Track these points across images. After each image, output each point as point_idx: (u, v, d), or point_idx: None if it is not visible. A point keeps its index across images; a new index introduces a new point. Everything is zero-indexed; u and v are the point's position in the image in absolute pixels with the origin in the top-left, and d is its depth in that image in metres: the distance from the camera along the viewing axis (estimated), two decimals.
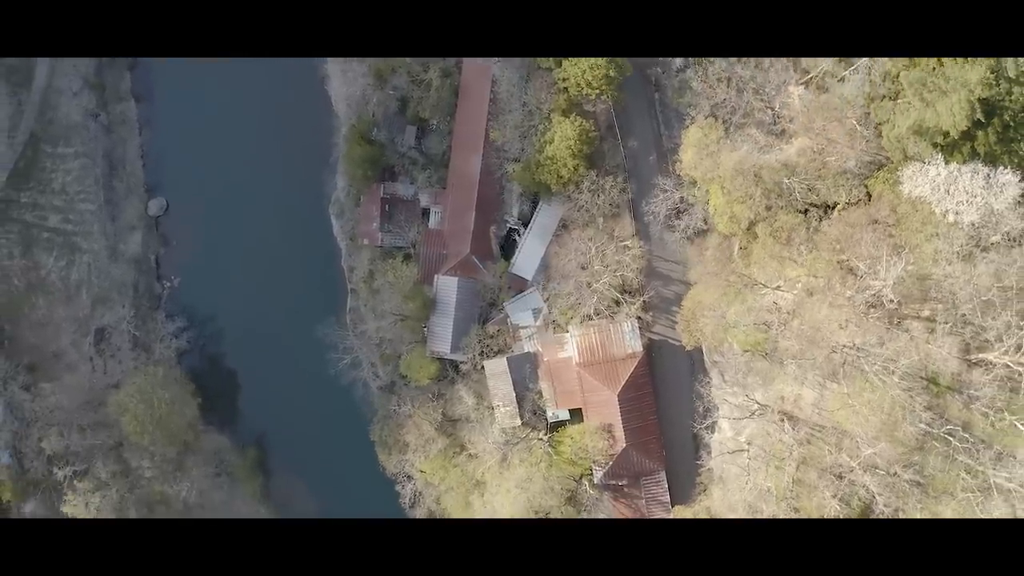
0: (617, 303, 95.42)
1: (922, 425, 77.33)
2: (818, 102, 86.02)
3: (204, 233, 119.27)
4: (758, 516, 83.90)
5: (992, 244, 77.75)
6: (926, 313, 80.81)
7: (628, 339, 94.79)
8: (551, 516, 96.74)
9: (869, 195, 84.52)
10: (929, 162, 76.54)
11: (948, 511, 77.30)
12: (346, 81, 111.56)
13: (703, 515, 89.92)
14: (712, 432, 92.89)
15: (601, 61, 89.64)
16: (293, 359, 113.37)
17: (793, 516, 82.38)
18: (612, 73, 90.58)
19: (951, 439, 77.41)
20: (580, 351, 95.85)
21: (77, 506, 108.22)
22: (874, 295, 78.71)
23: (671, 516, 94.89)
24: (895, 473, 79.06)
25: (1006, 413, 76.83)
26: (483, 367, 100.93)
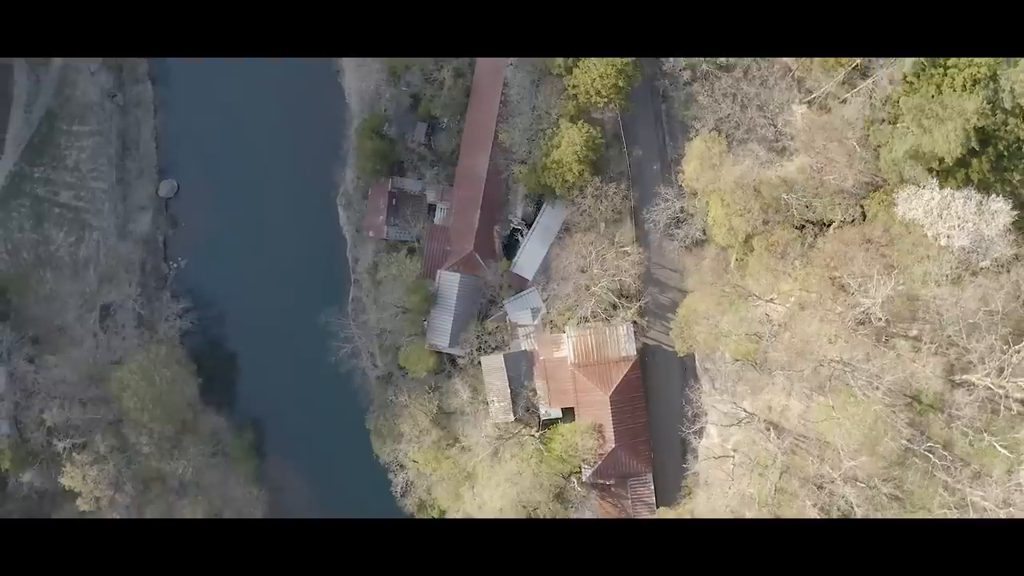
0: (614, 307, 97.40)
1: (903, 441, 79.25)
2: (820, 122, 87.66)
3: (213, 217, 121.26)
4: None
5: (981, 269, 79.33)
6: (913, 333, 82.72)
7: (623, 343, 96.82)
8: (539, 511, 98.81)
9: (864, 215, 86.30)
10: (924, 186, 78.07)
11: None
12: (360, 76, 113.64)
13: (686, 517, 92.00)
14: (700, 437, 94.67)
15: (611, 71, 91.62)
16: (294, 345, 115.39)
17: None
18: (621, 83, 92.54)
19: (931, 456, 79.21)
20: (575, 352, 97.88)
21: (75, 478, 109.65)
22: (863, 312, 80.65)
23: (655, 517, 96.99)
24: (874, 486, 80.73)
25: (985, 434, 78.59)
26: (480, 362, 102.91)
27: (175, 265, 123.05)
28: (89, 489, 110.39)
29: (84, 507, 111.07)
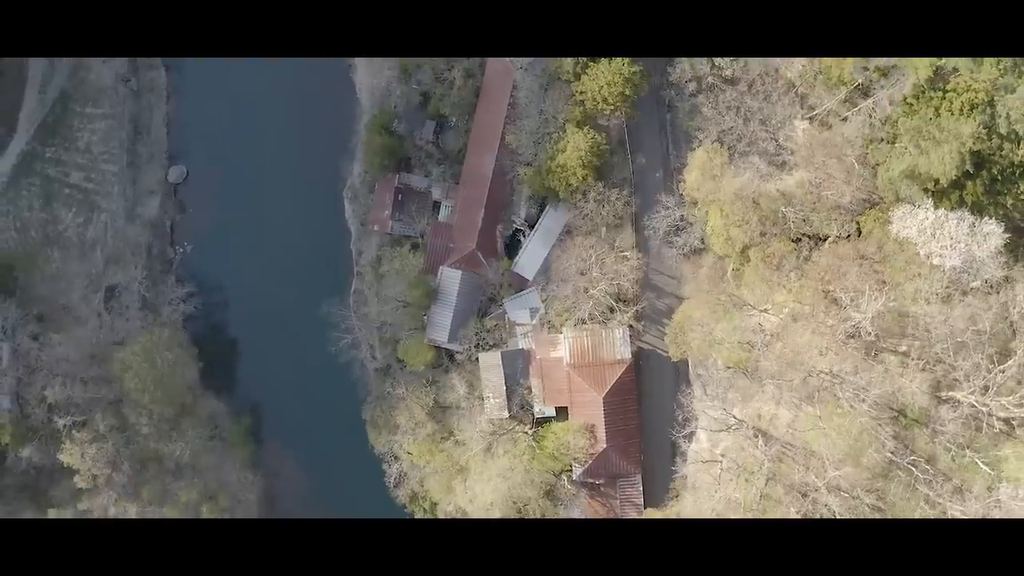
0: (611, 310, 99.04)
1: (887, 453, 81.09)
2: (820, 138, 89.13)
3: (220, 204, 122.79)
4: None
5: (971, 289, 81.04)
6: (903, 348, 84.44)
7: (618, 345, 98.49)
8: (529, 507, 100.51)
9: (859, 231, 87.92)
10: (919, 205, 79.58)
11: None
12: (371, 72, 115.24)
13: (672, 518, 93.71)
14: (689, 441, 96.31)
15: (618, 79, 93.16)
16: (295, 334, 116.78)
17: None
18: (628, 91, 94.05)
19: (914, 469, 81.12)
20: (572, 352, 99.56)
21: (73, 455, 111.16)
22: (854, 326, 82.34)
23: (642, 517, 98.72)
24: (857, 496, 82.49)
25: (968, 450, 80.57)
26: (477, 359, 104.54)
27: (181, 250, 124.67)
28: (87, 467, 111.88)
29: (81, 484, 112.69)
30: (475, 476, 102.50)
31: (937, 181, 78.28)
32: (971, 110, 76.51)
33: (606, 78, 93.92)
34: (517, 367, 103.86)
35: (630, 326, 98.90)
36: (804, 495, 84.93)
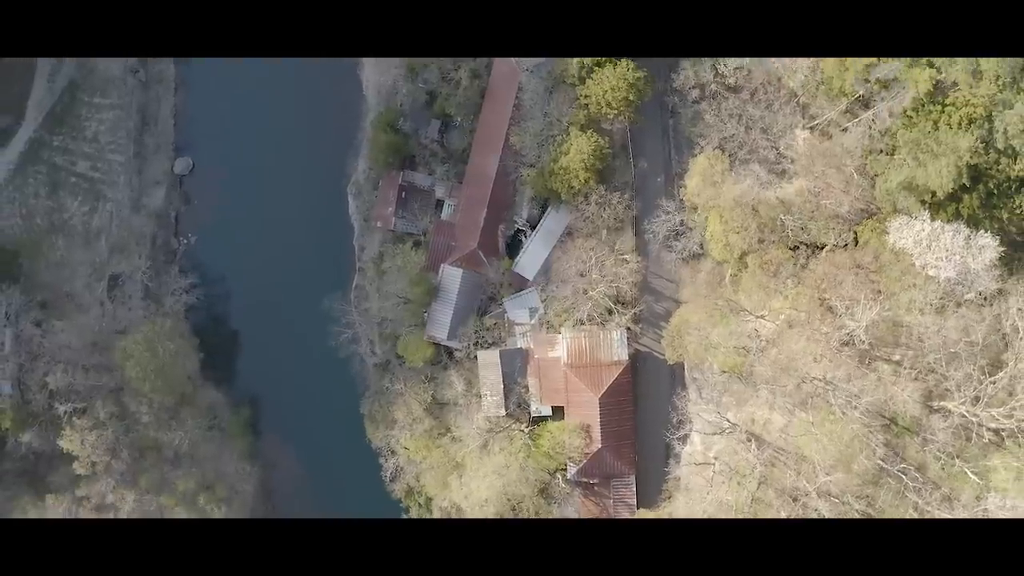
0: (609, 312, 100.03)
1: (878, 460, 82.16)
2: (820, 148, 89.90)
3: (225, 196, 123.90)
4: None
5: (965, 301, 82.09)
6: (895, 357, 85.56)
7: (616, 347, 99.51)
8: (523, 504, 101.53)
9: (856, 240, 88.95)
10: (916, 217, 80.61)
11: None
12: (379, 70, 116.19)
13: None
14: (683, 443, 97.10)
15: (622, 84, 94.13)
16: (296, 328, 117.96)
17: None
18: (632, 96, 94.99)
19: (904, 477, 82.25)
20: (569, 353, 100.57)
21: (73, 442, 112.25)
22: (848, 334, 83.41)
23: (635, 518, 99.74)
24: (847, 502, 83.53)
25: (958, 460, 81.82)
26: (476, 356, 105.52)
27: (185, 241, 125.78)
28: (86, 453, 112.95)
29: (80, 470, 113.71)
30: (471, 472, 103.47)
31: (934, 193, 79.42)
32: (969, 124, 77.68)
33: (611, 82, 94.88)
34: (515, 366, 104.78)
35: (628, 328, 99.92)
36: (795, 499, 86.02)
